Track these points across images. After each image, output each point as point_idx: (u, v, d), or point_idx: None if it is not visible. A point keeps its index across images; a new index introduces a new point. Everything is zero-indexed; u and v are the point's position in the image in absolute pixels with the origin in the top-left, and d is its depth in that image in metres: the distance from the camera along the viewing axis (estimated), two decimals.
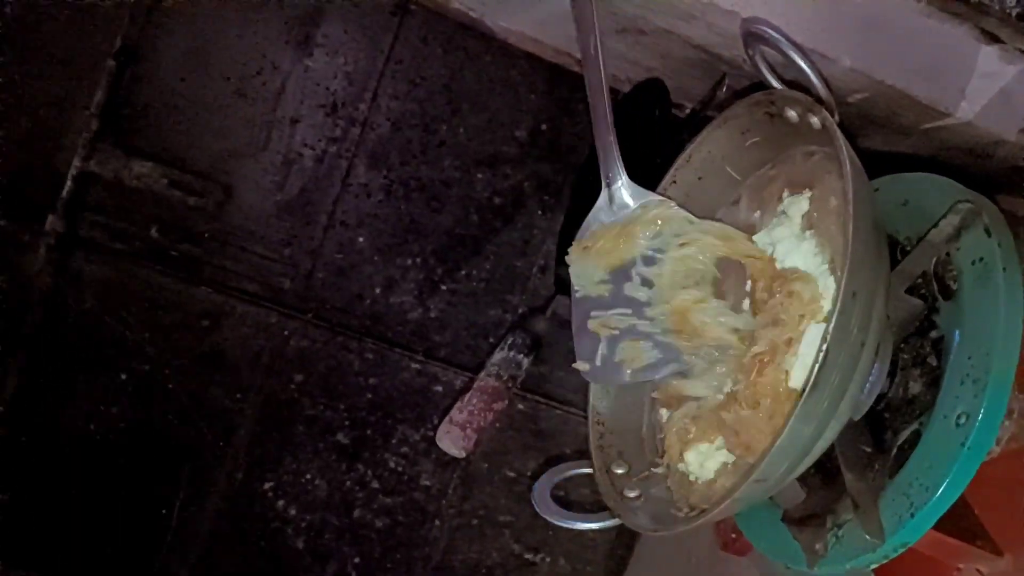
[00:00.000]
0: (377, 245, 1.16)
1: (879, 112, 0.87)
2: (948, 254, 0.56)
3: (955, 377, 0.53)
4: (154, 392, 1.14)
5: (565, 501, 0.66)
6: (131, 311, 1.12)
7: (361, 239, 1.16)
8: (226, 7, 1.08)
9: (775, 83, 0.58)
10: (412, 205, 1.16)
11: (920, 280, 0.58)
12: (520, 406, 1.22)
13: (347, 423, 1.19)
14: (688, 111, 1.02)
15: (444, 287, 1.18)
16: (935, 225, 0.55)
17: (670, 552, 1.14)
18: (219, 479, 1.18)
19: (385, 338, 1.18)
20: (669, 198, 0.65)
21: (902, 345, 0.59)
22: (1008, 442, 0.60)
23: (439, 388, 1.20)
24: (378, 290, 1.17)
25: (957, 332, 0.55)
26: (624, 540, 1.25)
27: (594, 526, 0.61)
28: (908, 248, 0.59)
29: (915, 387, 0.57)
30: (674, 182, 0.68)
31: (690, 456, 0.62)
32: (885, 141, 0.93)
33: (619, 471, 0.65)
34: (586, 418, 1.21)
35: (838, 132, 0.49)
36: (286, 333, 1.17)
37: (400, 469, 1.21)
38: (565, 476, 0.66)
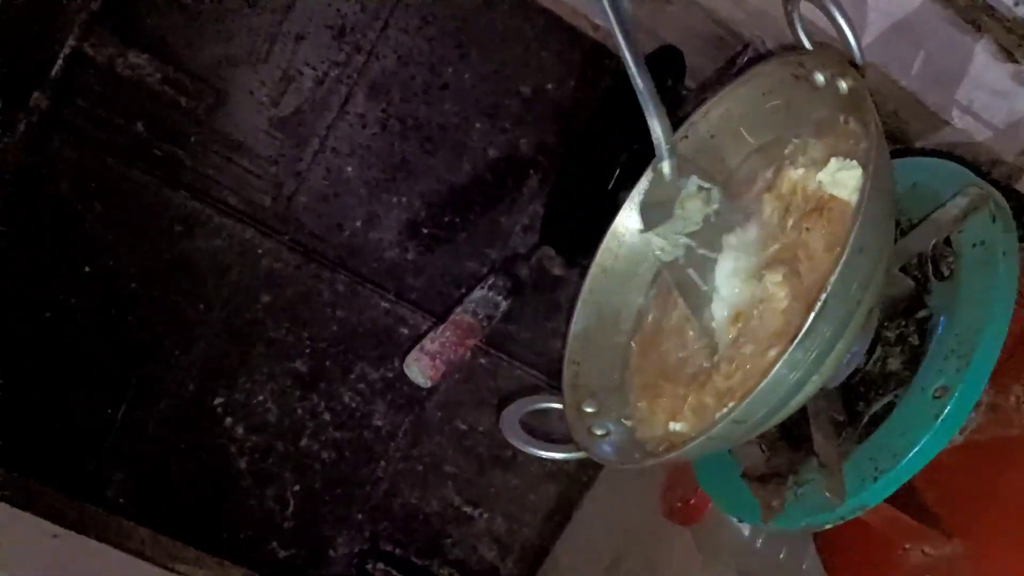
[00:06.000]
0: (365, 178, 1.15)
1: (886, 117, 0.88)
2: (948, 239, 0.57)
3: (939, 353, 0.54)
4: (116, 289, 1.12)
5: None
6: (104, 203, 1.10)
7: (350, 169, 1.14)
8: None
9: (806, 43, 0.58)
10: (406, 143, 1.15)
11: (915, 262, 0.59)
12: (482, 360, 1.21)
13: (307, 351, 1.18)
14: (698, 85, 1.03)
15: (425, 231, 1.17)
16: (942, 205, 0.56)
17: (609, 521, 1.15)
18: (170, 387, 1.15)
19: (359, 272, 1.17)
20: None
21: (886, 324, 0.60)
22: (972, 433, 0.61)
23: (405, 330, 1.19)
24: (359, 223, 1.16)
25: (945, 315, 0.56)
26: (563, 507, 1.26)
27: (557, 456, 0.61)
28: (907, 232, 0.60)
29: (893, 364, 0.58)
30: (686, 137, 0.67)
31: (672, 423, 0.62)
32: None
33: (589, 410, 0.65)
34: (547, 384, 1.22)
35: (867, 93, 0.50)
36: (259, 252, 1.15)
37: (354, 405, 1.20)
38: (535, 408, 0.65)
